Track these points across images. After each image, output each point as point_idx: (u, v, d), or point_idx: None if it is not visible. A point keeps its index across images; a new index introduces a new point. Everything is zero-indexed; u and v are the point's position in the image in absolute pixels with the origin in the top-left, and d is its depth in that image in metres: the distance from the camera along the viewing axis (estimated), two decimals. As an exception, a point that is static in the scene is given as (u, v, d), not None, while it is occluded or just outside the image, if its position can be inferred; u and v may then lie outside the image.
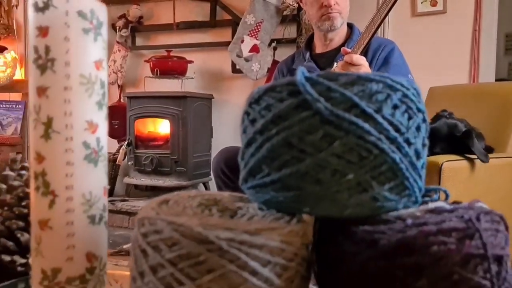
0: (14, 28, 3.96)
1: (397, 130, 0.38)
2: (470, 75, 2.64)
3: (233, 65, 3.08)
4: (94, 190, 0.45)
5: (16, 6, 3.89)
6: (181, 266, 0.36)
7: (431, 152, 1.62)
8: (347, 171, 0.38)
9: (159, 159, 2.93)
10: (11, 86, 3.70)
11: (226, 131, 3.19)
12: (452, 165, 1.58)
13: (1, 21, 3.94)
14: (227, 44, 3.00)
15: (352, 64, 1.30)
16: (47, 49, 0.42)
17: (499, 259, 0.36)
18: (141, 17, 3.36)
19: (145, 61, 3.15)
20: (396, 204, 0.40)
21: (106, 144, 0.47)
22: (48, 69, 0.42)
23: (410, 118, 0.39)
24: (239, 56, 2.96)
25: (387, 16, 2.57)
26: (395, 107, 0.38)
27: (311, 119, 0.38)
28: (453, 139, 1.65)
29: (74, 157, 0.44)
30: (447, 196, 0.46)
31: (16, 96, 3.89)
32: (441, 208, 0.40)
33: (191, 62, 3.11)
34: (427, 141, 0.42)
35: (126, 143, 3.01)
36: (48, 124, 0.43)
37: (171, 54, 3.07)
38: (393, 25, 2.77)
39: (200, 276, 0.36)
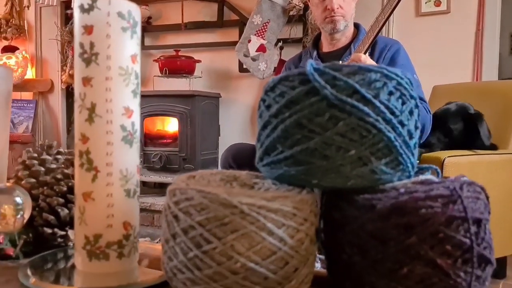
0: (26, 28, 4.03)
1: (392, 113, 0.45)
2: (474, 74, 2.69)
3: (240, 64, 3.14)
4: (130, 167, 0.52)
5: (28, 7, 3.97)
6: (209, 227, 0.43)
7: (444, 129, 1.67)
8: (350, 148, 0.44)
9: (168, 157, 3.00)
10: (22, 85, 3.78)
11: (233, 129, 3.26)
12: (454, 160, 1.64)
13: (13, 22, 4.01)
14: (234, 43, 3.06)
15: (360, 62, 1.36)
16: (92, 45, 0.49)
17: (478, 222, 0.43)
18: (150, 18, 3.43)
19: (154, 60, 3.22)
20: (391, 177, 0.46)
21: (139, 128, 0.54)
22: (92, 62, 0.49)
23: (403, 103, 0.46)
24: (246, 55, 3.02)
25: (392, 16, 2.63)
26: (390, 93, 0.45)
27: (319, 104, 0.44)
28: (462, 116, 1.70)
29: (114, 138, 0.51)
30: (438, 173, 0.53)
31: (27, 95, 3.97)
32: (430, 180, 0.46)
33: (199, 61, 3.18)
34: (419, 124, 0.49)
35: (136, 142, 3.07)
36: (92, 109, 0.50)
37: (179, 53, 3.13)
38: (398, 25, 2.82)
39: (225, 235, 0.43)
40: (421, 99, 1.57)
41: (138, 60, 0.53)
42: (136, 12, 0.52)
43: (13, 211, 0.58)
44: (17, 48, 3.95)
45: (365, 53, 1.42)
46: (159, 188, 3.14)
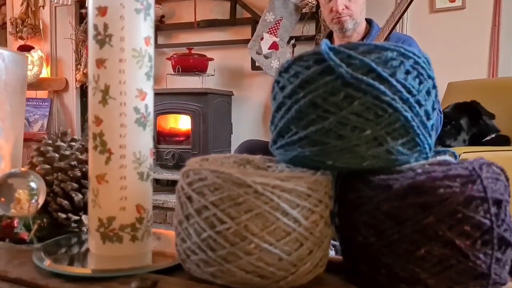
0: (41, 28, 4.08)
1: (409, 92, 0.44)
2: (489, 70, 2.65)
3: (253, 62, 3.14)
4: (143, 150, 0.52)
5: (43, 6, 4.01)
6: (223, 207, 0.43)
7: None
8: (365, 127, 0.43)
9: (180, 154, 3.01)
10: (37, 84, 3.83)
11: (246, 127, 3.26)
12: (469, 156, 1.61)
13: (28, 21, 4.06)
14: (246, 41, 3.06)
15: None
16: (105, 27, 0.49)
17: (498, 203, 0.41)
18: (163, 16, 3.45)
19: (167, 58, 3.23)
20: (408, 158, 0.45)
21: (152, 110, 0.53)
22: (106, 44, 0.49)
23: (421, 82, 0.45)
24: (258, 53, 3.02)
25: (406, 13, 2.60)
26: (407, 72, 0.44)
27: (334, 83, 0.44)
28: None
29: (127, 120, 0.50)
30: (456, 156, 0.52)
31: (42, 94, 4.02)
32: (448, 161, 0.45)
33: (211, 59, 3.18)
34: (436, 105, 0.48)
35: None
36: (106, 91, 0.50)
37: (192, 51, 3.14)
38: (412, 22, 2.79)
39: (239, 215, 0.42)
40: None
41: (151, 42, 0.52)
42: (150, -6, 0.52)
43: (28, 195, 0.59)
44: (32, 48, 4.00)
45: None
46: (172, 186, 3.15)
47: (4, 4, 4.45)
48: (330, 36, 1.81)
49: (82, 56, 3.73)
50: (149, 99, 0.53)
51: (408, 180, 0.42)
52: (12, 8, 4.18)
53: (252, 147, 1.69)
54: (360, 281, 0.46)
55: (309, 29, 3.00)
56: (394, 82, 0.43)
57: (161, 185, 3.22)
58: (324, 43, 0.45)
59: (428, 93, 0.46)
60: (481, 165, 0.43)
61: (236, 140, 3.15)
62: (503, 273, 0.42)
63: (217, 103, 3.09)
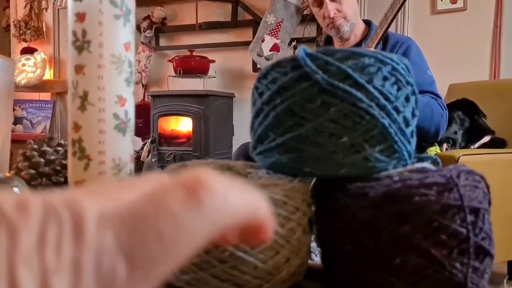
0: (44, 30, 4.11)
1: (387, 98, 0.43)
2: (491, 72, 2.64)
3: (254, 64, 3.14)
4: (123, 156, 0.52)
5: (46, 9, 4.04)
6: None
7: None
8: (342, 134, 0.43)
9: (182, 156, 3.01)
10: (40, 86, 3.85)
11: (247, 129, 3.19)
12: (468, 159, 1.60)
13: (32, 24, 4.09)
14: (248, 43, 3.06)
15: None
16: (84, 32, 0.49)
17: (476, 211, 0.41)
18: (164, 18, 3.46)
19: (169, 61, 3.24)
20: (386, 165, 0.45)
21: (133, 117, 0.53)
22: (84, 50, 0.49)
23: (399, 89, 0.45)
24: (260, 55, 3.02)
25: (406, 13, 2.58)
26: (385, 78, 0.44)
27: (311, 89, 0.43)
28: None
29: (106, 126, 0.50)
30: (438, 163, 0.51)
31: (45, 96, 4.04)
32: (426, 168, 0.45)
33: (213, 61, 3.19)
34: (417, 112, 0.47)
35: (149, 140, 3.10)
36: (84, 97, 0.50)
37: (194, 54, 3.15)
38: (413, 23, 2.79)
39: (213, 223, 0.42)
40: (436, 95, 1.54)
41: (132, 48, 0.52)
42: (130, 0, 0.52)
43: (11, 201, 0.58)
44: (35, 50, 4.02)
45: (374, 49, 1.40)
46: (173, 188, 3.15)
47: (8, 6, 4.48)
48: (329, 39, 1.80)
49: (84, 58, 3.75)
50: (129, 105, 0.52)
51: (384, 188, 0.41)
52: (16, 10, 4.21)
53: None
54: (338, 289, 0.46)
55: (310, 31, 3.00)
56: (371, 89, 0.43)
57: (162, 187, 3.22)
58: (302, 50, 0.44)
59: (407, 99, 0.45)
60: (459, 172, 0.42)
61: (238, 142, 3.15)
62: (481, 282, 0.42)
63: (218, 105, 3.09)
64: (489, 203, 0.44)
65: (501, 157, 1.70)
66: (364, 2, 2.75)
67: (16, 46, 4.13)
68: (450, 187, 0.40)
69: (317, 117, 0.43)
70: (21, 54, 3.99)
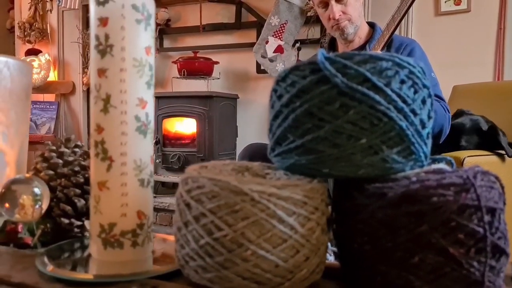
0: (48, 32, 4.12)
1: (404, 101, 0.44)
2: (495, 73, 2.65)
3: (258, 65, 3.15)
4: (143, 157, 0.53)
5: (51, 10, 4.06)
6: (220, 214, 0.43)
7: (457, 146, 1.66)
8: (360, 136, 0.44)
9: (186, 157, 3.02)
10: (45, 87, 3.86)
11: (251, 130, 3.27)
12: (474, 160, 1.61)
13: (36, 25, 4.11)
14: (252, 45, 3.07)
15: None
16: (107, 37, 0.50)
17: (492, 211, 0.42)
18: (168, 20, 3.47)
19: (173, 62, 3.25)
20: (403, 166, 0.46)
21: (153, 119, 0.54)
22: (107, 54, 0.50)
23: (416, 92, 0.46)
24: (263, 56, 3.03)
25: (411, 16, 2.59)
26: (402, 82, 0.45)
27: (330, 92, 0.44)
28: (477, 133, 1.69)
29: (128, 128, 0.51)
30: (452, 164, 0.52)
31: (49, 97, 4.06)
32: (443, 169, 0.46)
33: (217, 63, 3.20)
34: (432, 114, 0.48)
35: (154, 141, 3.11)
36: (107, 100, 0.51)
37: (198, 55, 3.16)
38: (417, 25, 2.80)
39: (236, 222, 0.43)
40: (439, 97, 1.54)
41: (152, 52, 0.53)
42: (150, 5, 0.53)
43: (32, 201, 0.60)
44: (40, 51, 4.04)
45: (381, 51, 1.41)
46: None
47: (12, 8, 4.50)
48: (333, 41, 1.81)
49: (89, 59, 3.77)
50: (150, 108, 0.54)
51: (402, 189, 0.42)
52: (20, 12, 4.23)
53: (256, 151, 1.70)
54: (356, 287, 0.47)
55: (314, 32, 3.01)
56: (389, 92, 0.44)
57: (166, 188, 3.23)
58: (320, 53, 0.46)
59: (423, 102, 0.46)
60: (475, 173, 0.43)
61: (241, 143, 3.16)
62: (497, 281, 0.43)
63: (222, 106, 3.10)
64: (504, 203, 0.45)
65: (505, 158, 1.71)
66: (368, 3, 2.76)
67: (21, 47, 4.15)
68: (468, 187, 0.41)
69: (336, 119, 0.44)
70: (25, 56, 4.02)
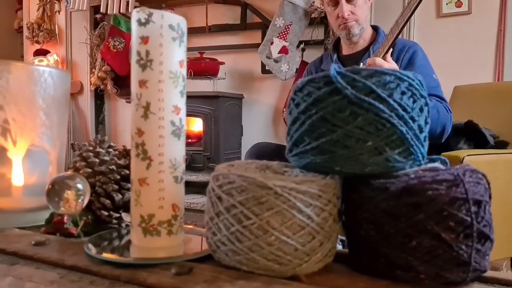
0: (57, 32, 4.20)
1: (404, 110, 0.52)
2: (495, 74, 2.71)
3: (263, 66, 3.23)
4: (177, 157, 0.61)
5: (59, 12, 4.13)
6: (248, 206, 0.51)
7: (449, 146, 1.73)
8: (367, 139, 0.52)
9: (193, 156, 3.10)
10: (54, 87, 3.93)
11: (256, 130, 3.34)
12: (473, 159, 1.68)
13: (45, 26, 4.18)
14: (257, 46, 3.15)
15: (375, 66, 1.41)
16: (147, 53, 0.58)
17: (478, 203, 0.50)
18: (175, 21, 3.54)
19: (180, 62, 3.32)
20: (403, 165, 0.54)
21: (185, 123, 0.62)
22: (147, 67, 0.58)
23: (414, 101, 0.53)
24: (268, 57, 3.10)
25: (412, 18, 2.65)
26: (403, 93, 0.53)
27: (341, 102, 0.52)
28: (461, 133, 1.78)
29: (165, 132, 0.59)
30: (446, 163, 0.60)
31: (58, 97, 4.13)
32: (437, 168, 0.54)
33: (222, 63, 3.27)
34: (429, 120, 0.56)
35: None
36: (147, 107, 0.59)
37: (204, 56, 3.23)
38: (418, 27, 2.86)
39: (262, 212, 0.51)
40: (441, 98, 1.60)
41: (185, 64, 0.61)
42: (183, 24, 0.61)
43: (75, 196, 0.68)
44: (48, 52, 4.12)
45: (385, 55, 1.48)
46: (185, 186, 3.23)
47: (20, 9, 4.59)
48: (337, 42, 1.88)
49: (96, 60, 3.84)
50: (183, 114, 0.61)
51: (403, 183, 0.50)
52: (29, 13, 4.31)
53: (262, 150, 1.77)
54: (362, 269, 0.55)
55: (318, 33, 3.08)
56: (391, 102, 0.52)
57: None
58: (333, 68, 0.53)
59: (421, 110, 0.54)
60: (464, 171, 0.51)
61: (246, 142, 3.24)
62: (483, 262, 0.51)
63: (228, 106, 3.17)
64: (490, 197, 0.53)
65: (504, 157, 1.78)
66: (371, 5, 2.83)
67: (29, 47, 4.23)
68: (457, 183, 0.49)
69: (346, 125, 0.52)
70: (34, 56, 4.10)
